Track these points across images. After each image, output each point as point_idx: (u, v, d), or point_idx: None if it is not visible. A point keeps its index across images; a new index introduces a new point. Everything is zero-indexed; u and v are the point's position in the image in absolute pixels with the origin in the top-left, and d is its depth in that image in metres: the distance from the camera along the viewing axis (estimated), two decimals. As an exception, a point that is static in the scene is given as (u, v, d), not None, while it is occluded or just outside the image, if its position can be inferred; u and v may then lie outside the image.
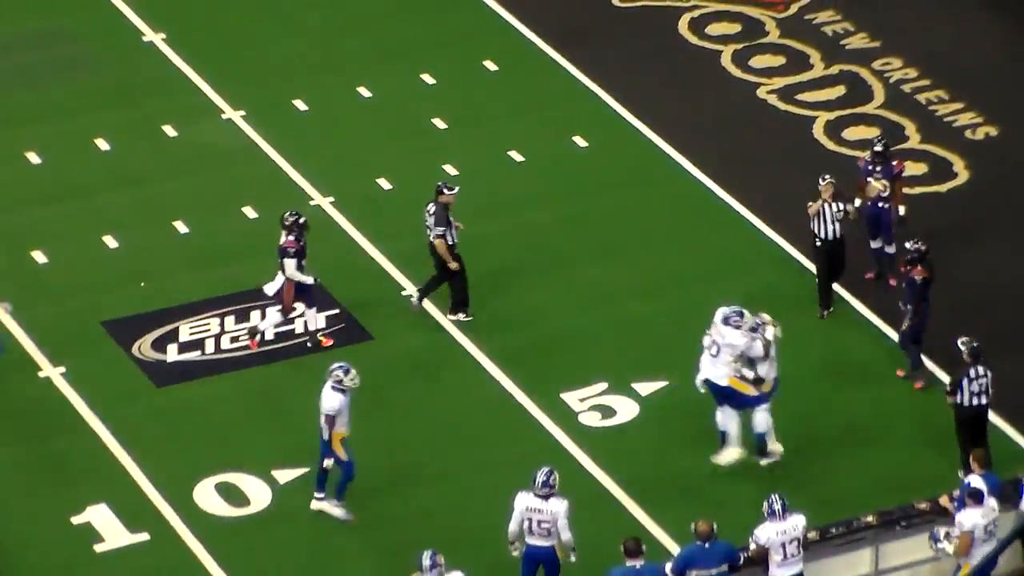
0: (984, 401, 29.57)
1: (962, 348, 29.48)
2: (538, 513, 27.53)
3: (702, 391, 29.97)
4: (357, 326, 32.73)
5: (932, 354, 31.62)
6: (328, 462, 29.15)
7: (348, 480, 29.29)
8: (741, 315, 29.93)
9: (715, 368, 29.92)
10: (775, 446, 30.36)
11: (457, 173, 35.06)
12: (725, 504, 29.46)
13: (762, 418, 30.28)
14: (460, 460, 30.79)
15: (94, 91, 36.95)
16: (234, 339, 32.57)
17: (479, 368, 32.04)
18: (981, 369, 29.41)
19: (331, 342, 32.41)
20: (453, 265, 32.30)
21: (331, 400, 28.92)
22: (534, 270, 33.63)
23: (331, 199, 34.76)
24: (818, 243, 32.66)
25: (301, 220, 31.79)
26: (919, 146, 35.53)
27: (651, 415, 31.25)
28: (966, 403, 29.53)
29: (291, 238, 31.65)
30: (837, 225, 32.46)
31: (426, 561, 26.73)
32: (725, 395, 30.16)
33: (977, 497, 27.39)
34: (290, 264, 31.70)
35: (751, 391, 30.14)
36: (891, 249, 32.93)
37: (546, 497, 27.53)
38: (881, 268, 33.07)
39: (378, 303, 33.14)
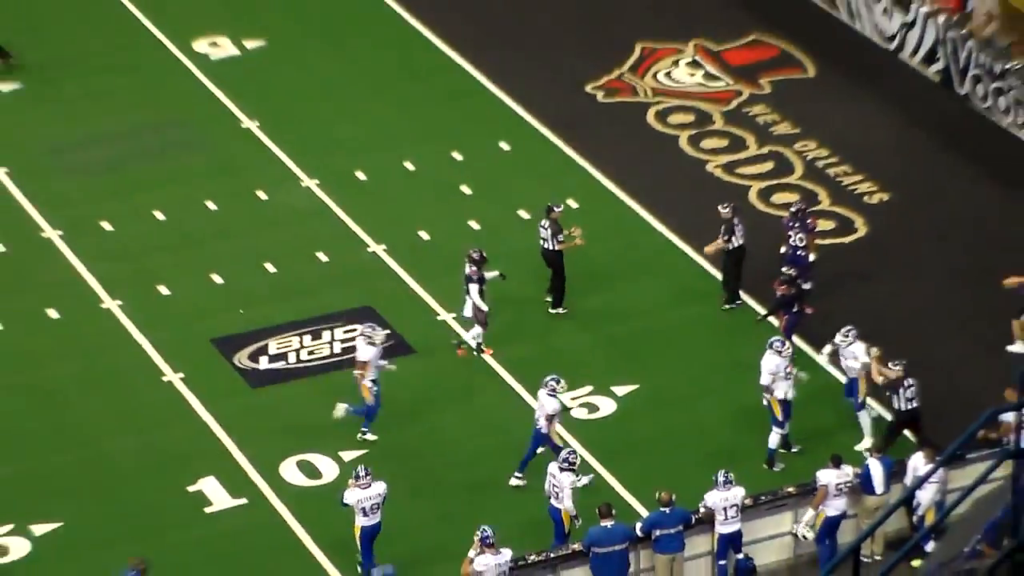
0: (916, 404, 29.54)
1: (896, 367, 29.64)
2: (553, 478, 27.87)
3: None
4: (404, 343, 32.78)
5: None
6: (541, 449, 29.55)
7: None
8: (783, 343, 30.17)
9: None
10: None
11: (479, 228, 35.16)
12: (684, 477, 29.57)
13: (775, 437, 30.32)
14: (490, 441, 31.06)
15: (205, 165, 36.65)
16: (310, 352, 32.49)
17: (495, 375, 32.22)
18: (910, 380, 29.48)
19: (491, 351, 32.49)
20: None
21: (551, 403, 29.25)
22: (538, 301, 33.59)
23: (384, 247, 34.68)
24: (729, 248, 32.92)
25: (483, 255, 31.94)
26: (829, 208, 35.38)
27: (626, 410, 31.36)
28: (903, 408, 29.57)
29: (474, 268, 31.76)
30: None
31: (485, 532, 26.82)
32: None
33: (836, 462, 27.97)
34: (474, 288, 31.82)
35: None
36: (807, 285, 32.71)
37: (562, 470, 27.81)
38: (796, 297, 32.36)
39: (420, 326, 33.16)
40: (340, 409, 30.44)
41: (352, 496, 27.58)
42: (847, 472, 28.13)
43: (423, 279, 34.06)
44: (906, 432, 29.81)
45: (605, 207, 35.61)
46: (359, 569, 28.07)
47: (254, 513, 29.51)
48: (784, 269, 32.13)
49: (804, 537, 28.30)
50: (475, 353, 32.35)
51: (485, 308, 32.02)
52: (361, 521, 27.68)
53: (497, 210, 35.71)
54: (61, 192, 35.97)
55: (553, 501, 27.94)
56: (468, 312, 32.13)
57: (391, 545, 28.17)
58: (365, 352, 30.37)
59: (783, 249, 32.81)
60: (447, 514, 29.08)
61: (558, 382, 29.47)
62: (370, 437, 30.56)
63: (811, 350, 32.04)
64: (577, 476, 27.91)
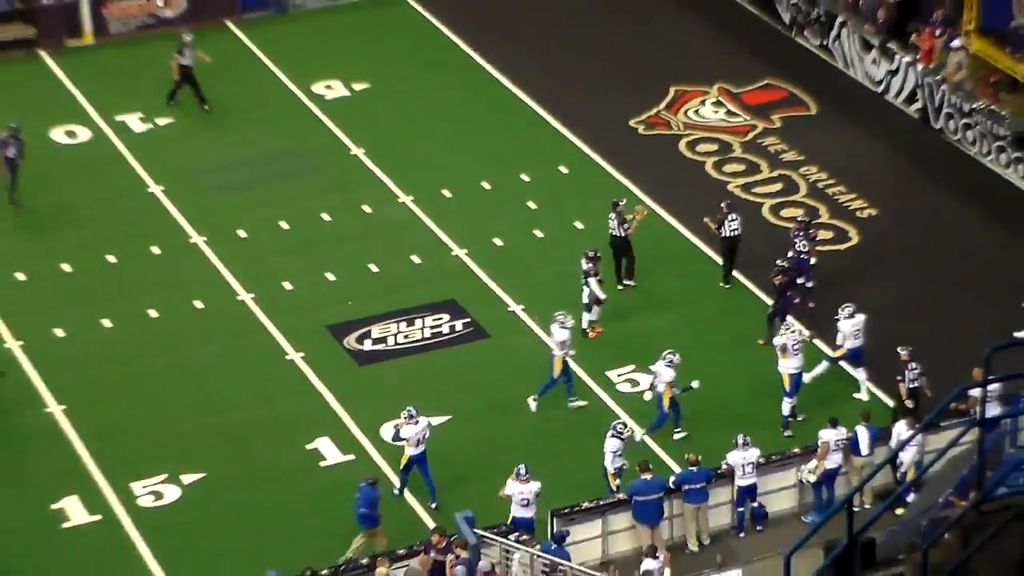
0: (918, 384, 29.41)
1: (903, 352, 29.58)
2: (607, 444, 27.95)
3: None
4: (481, 329, 32.85)
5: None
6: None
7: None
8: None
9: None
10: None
11: (542, 236, 35.22)
12: (711, 440, 29.71)
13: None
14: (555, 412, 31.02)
15: (320, 184, 36.72)
16: (405, 336, 32.49)
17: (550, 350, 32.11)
18: (914, 364, 29.43)
19: (599, 330, 32.53)
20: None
21: (668, 373, 29.42)
22: (578, 282, 33.22)
23: (465, 251, 34.71)
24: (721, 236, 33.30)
25: (597, 254, 32.08)
26: (828, 220, 35.37)
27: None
28: (909, 387, 29.42)
29: (591, 265, 31.83)
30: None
31: (520, 469, 27.05)
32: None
33: (833, 423, 28.13)
34: (593, 281, 31.87)
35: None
36: (809, 284, 32.80)
37: (610, 436, 27.89)
38: (801, 295, 32.69)
39: (494, 316, 33.20)
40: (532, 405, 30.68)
41: (512, 488, 27.31)
42: (842, 432, 28.24)
43: (497, 277, 34.06)
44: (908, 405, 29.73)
45: (647, 221, 35.13)
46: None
47: (359, 467, 29.58)
48: (778, 262, 32.07)
49: (807, 482, 28.36)
50: (583, 333, 32.26)
51: (603, 296, 32.08)
52: (516, 512, 27.32)
53: (557, 221, 35.65)
54: (205, 206, 36.10)
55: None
56: (586, 299, 32.13)
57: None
58: (560, 334, 30.34)
59: (790, 254, 32.72)
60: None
61: (674, 354, 29.59)
62: (580, 403, 30.77)
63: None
64: (623, 441, 27.99)
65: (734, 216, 33.27)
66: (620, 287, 33.49)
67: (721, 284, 33.73)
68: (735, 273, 33.81)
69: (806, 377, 30.52)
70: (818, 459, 28.16)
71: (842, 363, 31.11)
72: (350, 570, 26.20)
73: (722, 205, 33.51)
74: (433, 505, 28.69)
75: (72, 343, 32.33)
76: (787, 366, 29.91)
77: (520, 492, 27.17)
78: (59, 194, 36.32)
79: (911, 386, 29.40)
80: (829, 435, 28.15)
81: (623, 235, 33.26)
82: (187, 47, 38.62)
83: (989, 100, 37.26)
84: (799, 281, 32.57)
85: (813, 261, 33.00)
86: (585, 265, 32.07)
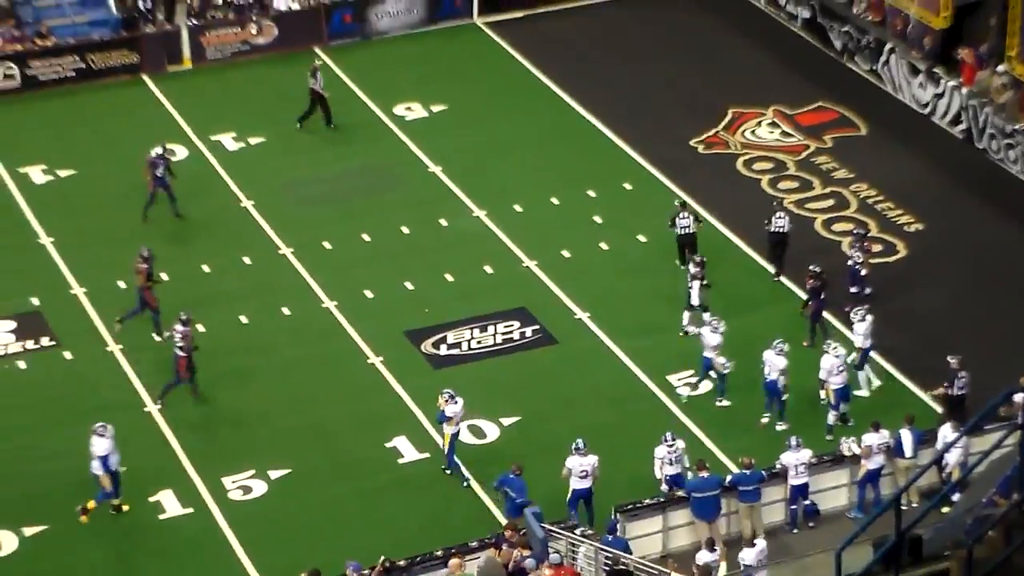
0: (965, 392, 29.12)
1: (952, 361, 29.26)
2: (656, 450, 27.66)
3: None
4: (550, 336, 32.64)
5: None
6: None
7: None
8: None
9: None
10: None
11: (607, 248, 35.01)
12: (761, 443, 29.40)
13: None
14: (612, 414, 30.84)
15: (400, 199, 36.61)
16: (478, 341, 32.38)
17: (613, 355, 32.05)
18: (963, 373, 29.10)
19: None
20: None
21: (780, 361, 29.36)
22: (650, 300, 33.44)
23: (535, 262, 34.54)
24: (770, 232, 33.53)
25: (703, 259, 32.13)
26: (877, 234, 35.05)
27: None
28: (955, 394, 29.14)
29: (698, 270, 31.80)
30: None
31: (579, 443, 27.42)
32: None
33: (877, 427, 27.82)
34: (696, 286, 31.84)
35: None
36: (867, 290, 32.61)
37: (660, 444, 27.74)
38: (857, 300, 32.33)
39: (561, 323, 32.99)
40: (684, 390, 30.67)
41: (571, 463, 27.44)
42: (884, 435, 27.87)
43: (564, 287, 33.87)
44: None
45: (704, 232, 35.04)
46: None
47: (434, 464, 29.47)
48: (811, 267, 31.94)
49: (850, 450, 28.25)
50: (683, 333, 32.15)
51: (699, 301, 31.94)
52: (575, 484, 27.51)
53: (621, 235, 35.45)
54: (293, 219, 36.09)
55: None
56: (695, 300, 32.03)
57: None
58: (712, 338, 30.21)
59: (849, 263, 32.84)
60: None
61: (784, 343, 29.46)
62: (725, 403, 30.68)
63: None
64: (670, 450, 27.69)
65: (781, 215, 33.53)
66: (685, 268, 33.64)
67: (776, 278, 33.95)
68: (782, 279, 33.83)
69: (863, 391, 30.22)
70: (862, 457, 27.87)
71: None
72: (425, 562, 25.99)
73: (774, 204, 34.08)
74: (447, 472, 29.00)
75: (169, 347, 32.26)
76: (832, 382, 29.58)
77: (580, 464, 27.36)
78: (158, 209, 36.34)
79: (958, 393, 29.00)
80: (871, 439, 27.85)
81: (695, 231, 33.60)
82: (318, 71, 38.73)
83: (1029, 120, 36.96)
84: (853, 290, 32.50)
85: (864, 272, 32.72)
86: (692, 269, 32.05)
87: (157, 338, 32.23)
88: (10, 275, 34.31)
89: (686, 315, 32.26)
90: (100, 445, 27.94)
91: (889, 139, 38.75)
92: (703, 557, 25.81)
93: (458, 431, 28.84)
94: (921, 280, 34.06)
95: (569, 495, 27.54)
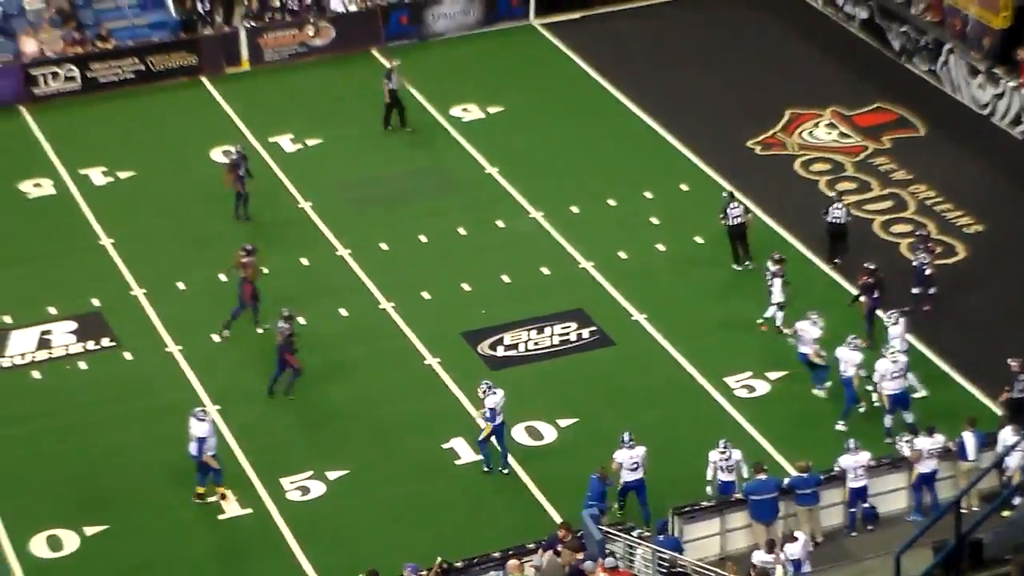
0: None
1: (1013, 363, 29.07)
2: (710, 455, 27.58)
3: None
4: (607, 337, 32.58)
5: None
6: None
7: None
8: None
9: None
10: None
11: (664, 249, 34.94)
12: (818, 445, 29.30)
13: None
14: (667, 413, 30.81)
15: (457, 200, 36.67)
16: (535, 343, 32.32)
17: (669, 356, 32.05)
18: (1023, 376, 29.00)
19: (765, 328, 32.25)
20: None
21: (856, 356, 29.33)
22: (707, 301, 33.44)
23: (592, 263, 34.49)
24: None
25: (783, 257, 32.04)
26: (936, 236, 34.77)
27: (779, 392, 31.00)
28: (1016, 396, 28.95)
29: (779, 266, 31.78)
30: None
31: (625, 436, 27.41)
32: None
33: (930, 432, 27.66)
34: (778, 283, 31.87)
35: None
36: (931, 291, 32.50)
37: (717, 447, 27.52)
38: (920, 300, 32.48)
39: (618, 324, 32.90)
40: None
41: (621, 456, 27.57)
42: (939, 440, 27.66)
43: (621, 288, 33.81)
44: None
45: (761, 234, 35.10)
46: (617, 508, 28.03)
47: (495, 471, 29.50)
48: (865, 264, 31.89)
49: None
50: (776, 331, 32.09)
51: (784, 299, 31.93)
52: (626, 477, 27.64)
53: (678, 236, 35.38)
54: (350, 220, 36.14)
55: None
56: (777, 297, 31.99)
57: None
58: (813, 332, 30.15)
59: (915, 263, 32.86)
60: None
61: (857, 339, 29.61)
62: (822, 393, 30.68)
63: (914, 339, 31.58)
64: (723, 456, 27.61)
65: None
66: (739, 268, 33.90)
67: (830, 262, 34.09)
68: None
69: (920, 391, 30.10)
70: (912, 460, 27.70)
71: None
72: (482, 563, 25.99)
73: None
74: (505, 471, 28.98)
75: (227, 347, 32.45)
76: (885, 387, 29.38)
77: (630, 457, 27.55)
78: (217, 210, 36.51)
79: (1019, 396, 28.78)
80: (924, 443, 27.68)
81: (745, 221, 33.83)
82: (393, 72, 38.79)
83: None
84: (914, 291, 32.48)
85: (929, 272, 32.64)
86: (772, 267, 32.02)
87: (259, 330, 32.63)
88: (71, 276, 34.50)
89: (773, 312, 32.21)
90: (199, 428, 28.24)
91: (948, 140, 38.52)
92: (759, 556, 25.72)
93: (500, 425, 28.87)
94: (981, 282, 33.79)
95: (620, 487, 27.67)
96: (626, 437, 27.70)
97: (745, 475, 27.59)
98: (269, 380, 31.02)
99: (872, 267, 31.83)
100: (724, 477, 27.67)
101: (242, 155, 35.81)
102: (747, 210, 34.28)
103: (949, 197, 36.32)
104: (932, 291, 32.60)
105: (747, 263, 34.08)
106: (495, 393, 28.80)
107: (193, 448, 28.44)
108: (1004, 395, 29.10)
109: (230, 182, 35.69)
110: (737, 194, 35.09)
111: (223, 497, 28.76)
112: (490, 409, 28.82)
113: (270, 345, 31.71)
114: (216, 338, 32.53)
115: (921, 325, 32.11)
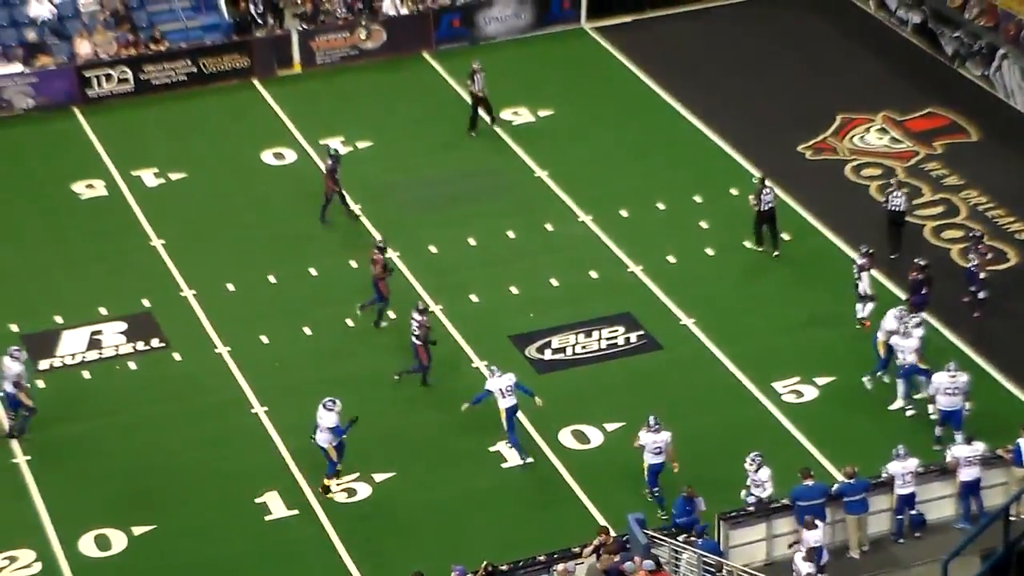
0: None
1: None
2: (751, 468, 27.34)
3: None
4: (655, 341, 32.47)
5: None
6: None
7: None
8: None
9: None
10: None
11: (713, 253, 34.80)
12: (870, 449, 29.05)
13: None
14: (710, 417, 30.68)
15: (506, 203, 36.58)
16: (583, 347, 32.22)
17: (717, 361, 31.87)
18: None
19: (868, 324, 31.92)
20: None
21: (938, 379, 28.95)
22: (755, 306, 33.30)
23: (640, 267, 34.36)
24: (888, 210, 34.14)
25: (871, 251, 32.01)
26: (988, 242, 34.47)
27: (827, 398, 30.79)
28: None
29: (866, 260, 31.84)
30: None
31: (651, 420, 27.76)
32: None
33: (968, 440, 27.48)
34: (866, 277, 31.86)
35: None
36: (982, 295, 32.36)
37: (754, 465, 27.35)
38: (972, 304, 32.34)
39: (667, 328, 32.79)
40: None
41: (645, 438, 27.87)
42: (977, 448, 27.36)
43: (669, 293, 33.69)
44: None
45: (813, 241, 35.07)
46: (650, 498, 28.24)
47: (538, 469, 29.38)
48: (915, 260, 32.14)
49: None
50: (860, 325, 32.14)
51: (871, 292, 31.94)
52: (650, 460, 27.89)
53: (727, 240, 35.25)
54: (399, 222, 36.09)
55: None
56: (866, 290, 32.02)
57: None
58: (892, 323, 30.09)
59: (968, 265, 32.81)
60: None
61: (908, 315, 29.81)
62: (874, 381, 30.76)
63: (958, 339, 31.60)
64: (756, 466, 27.32)
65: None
66: (760, 250, 34.41)
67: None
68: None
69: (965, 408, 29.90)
70: (950, 468, 27.48)
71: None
72: (528, 567, 25.89)
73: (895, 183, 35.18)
74: (528, 460, 29.27)
75: (275, 348, 32.48)
76: (940, 402, 29.12)
77: (653, 441, 27.86)
78: (267, 211, 36.58)
79: None
80: (961, 451, 27.38)
81: (768, 208, 34.15)
82: (477, 74, 38.87)
83: None
84: (968, 294, 32.46)
85: (983, 275, 32.47)
86: (860, 260, 32.03)
87: (382, 325, 32.90)
88: (122, 277, 34.59)
89: (859, 307, 32.23)
90: (328, 418, 28.41)
91: (1001, 146, 38.25)
92: (803, 568, 25.54)
93: (513, 407, 29.00)
94: (1031, 288, 33.64)
95: (646, 471, 28.00)
96: (651, 421, 27.88)
97: (770, 490, 27.27)
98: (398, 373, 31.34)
99: (923, 263, 31.89)
100: (757, 492, 27.31)
101: (335, 157, 35.71)
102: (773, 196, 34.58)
103: (1001, 203, 36.09)
104: (982, 295, 32.38)
105: (775, 253, 34.22)
106: (499, 376, 29.04)
107: (321, 439, 28.60)
108: None
109: (330, 186, 35.63)
110: (768, 181, 34.95)
111: (325, 490, 28.88)
112: (485, 391, 29.15)
113: (317, 345, 31.67)
114: (265, 339, 32.56)
115: (973, 330, 31.91)
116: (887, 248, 33.94)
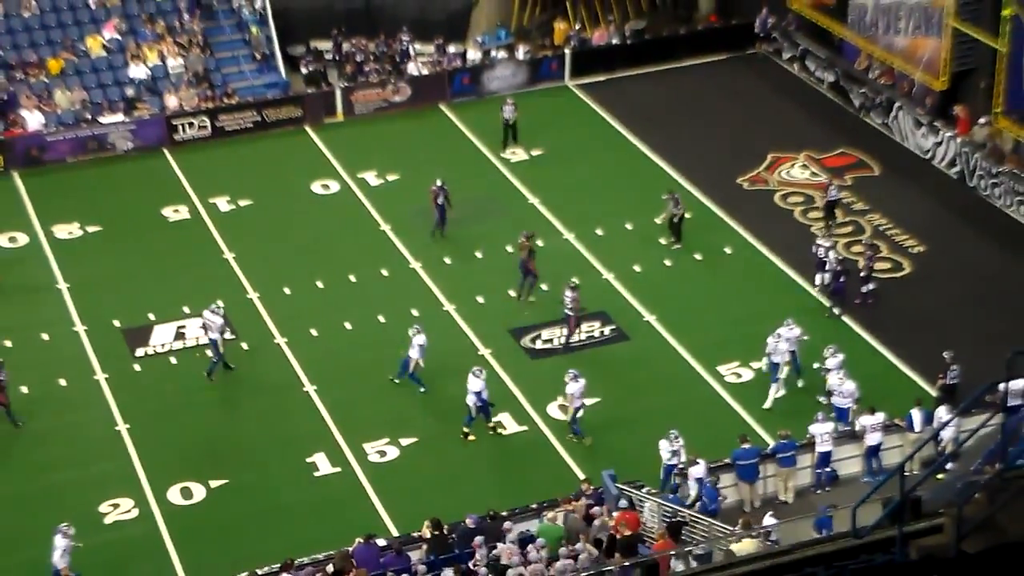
0: (956, 382, 28.48)
1: (946, 355, 28.60)
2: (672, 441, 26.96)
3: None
4: (623, 333, 32.31)
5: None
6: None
7: None
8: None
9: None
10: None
11: (670, 264, 34.61)
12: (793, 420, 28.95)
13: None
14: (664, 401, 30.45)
15: (506, 224, 35.89)
16: (567, 338, 32.14)
17: (674, 350, 31.69)
18: (955, 366, 28.42)
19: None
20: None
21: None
22: (702, 305, 33.09)
23: (612, 275, 34.26)
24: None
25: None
26: (887, 255, 34.28)
27: (761, 378, 30.57)
28: (948, 383, 28.55)
29: (831, 243, 32.01)
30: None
31: (570, 372, 27.95)
32: None
33: (871, 410, 27.30)
34: (832, 255, 32.10)
35: None
36: (869, 287, 32.34)
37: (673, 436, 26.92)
38: (863, 296, 32.03)
39: (633, 323, 32.69)
40: None
41: (571, 388, 28.05)
42: (879, 417, 27.28)
43: (635, 295, 33.52)
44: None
45: (749, 254, 35.04)
46: None
47: (530, 436, 29.29)
48: (837, 258, 32.41)
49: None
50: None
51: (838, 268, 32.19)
52: (576, 403, 27.97)
53: (682, 254, 35.11)
54: (420, 240, 36.00)
55: None
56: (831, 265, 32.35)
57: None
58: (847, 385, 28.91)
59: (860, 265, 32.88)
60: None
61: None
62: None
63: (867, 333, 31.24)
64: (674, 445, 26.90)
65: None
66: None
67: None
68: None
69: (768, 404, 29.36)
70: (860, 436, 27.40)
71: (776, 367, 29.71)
72: (523, 512, 25.81)
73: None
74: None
75: (322, 339, 32.43)
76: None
77: (579, 388, 28.05)
78: (315, 230, 36.57)
79: (951, 382, 28.46)
80: (866, 420, 27.32)
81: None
82: (507, 106, 39.35)
83: (1012, 165, 36.27)
84: (863, 290, 32.39)
85: (866, 275, 32.57)
86: (826, 243, 32.62)
87: (523, 298, 32.95)
88: (201, 282, 34.49)
89: (819, 276, 32.58)
90: (474, 383, 28.41)
91: (898, 178, 38.16)
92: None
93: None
94: (922, 292, 33.50)
95: (571, 416, 28.37)
96: (572, 373, 28.09)
97: (683, 458, 26.61)
98: (562, 340, 31.33)
99: (842, 257, 32.29)
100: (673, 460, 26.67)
101: (442, 187, 35.50)
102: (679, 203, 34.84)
103: (898, 224, 36.01)
104: (868, 287, 32.37)
105: (677, 245, 34.63)
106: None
107: (472, 399, 28.55)
108: (940, 381, 28.81)
109: (434, 208, 35.45)
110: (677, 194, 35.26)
111: (465, 435, 28.86)
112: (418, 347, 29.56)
113: (353, 339, 31.61)
114: (314, 332, 32.51)
115: (875, 324, 31.80)
116: (809, 298, 33.30)
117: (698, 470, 25.88)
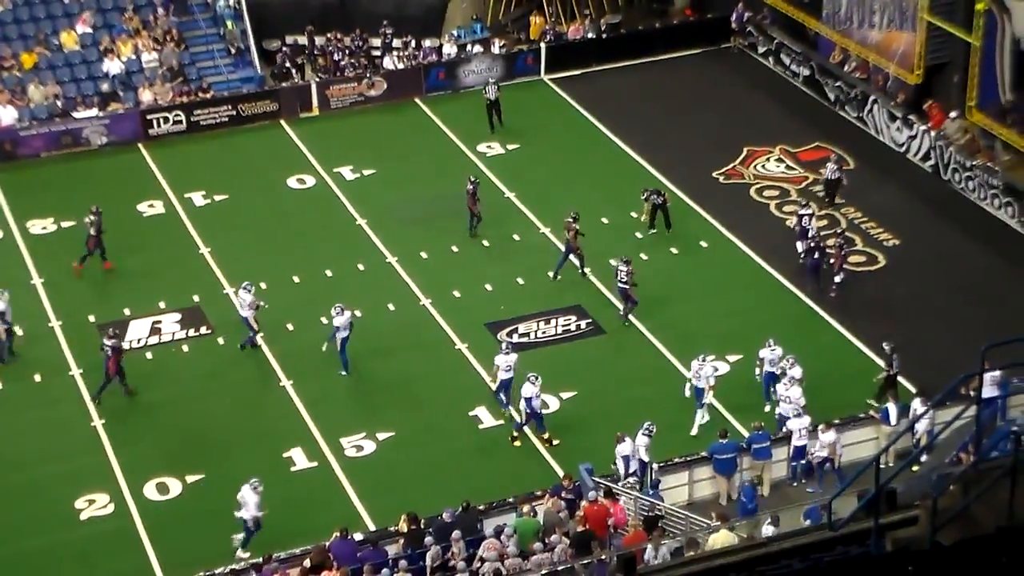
0: (897, 370, 28.44)
1: (886, 346, 28.57)
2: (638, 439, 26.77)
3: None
4: (599, 327, 32.33)
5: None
6: None
7: None
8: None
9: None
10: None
11: (647, 259, 34.62)
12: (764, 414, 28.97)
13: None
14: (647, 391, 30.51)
15: (483, 219, 36.18)
16: (543, 332, 31.93)
17: (650, 344, 31.71)
18: (896, 356, 28.41)
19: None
20: None
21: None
22: (677, 300, 33.17)
23: (588, 269, 34.08)
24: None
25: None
26: (862, 248, 34.37)
27: (735, 372, 30.63)
28: (892, 372, 28.41)
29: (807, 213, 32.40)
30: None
31: (503, 345, 28.45)
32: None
33: (799, 415, 27.34)
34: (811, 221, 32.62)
35: None
36: (838, 278, 32.15)
37: (641, 434, 26.64)
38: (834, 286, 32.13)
39: (608, 317, 32.62)
40: None
41: (499, 360, 28.51)
42: (805, 421, 27.12)
43: (611, 289, 33.31)
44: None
45: (723, 247, 35.07)
46: None
47: (508, 430, 29.21)
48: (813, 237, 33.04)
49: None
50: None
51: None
52: (502, 376, 28.33)
53: (657, 248, 35.10)
54: (396, 234, 35.93)
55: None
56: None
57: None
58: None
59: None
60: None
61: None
62: None
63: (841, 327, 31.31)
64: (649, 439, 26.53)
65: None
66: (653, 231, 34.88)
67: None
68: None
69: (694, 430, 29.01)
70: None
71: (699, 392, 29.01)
72: (499, 506, 25.80)
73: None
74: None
75: (298, 334, 32.33)
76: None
77: (505, 361, 28.65)
78: (291, 225, 36.45)
79: (893, 371, 28.44)
80: (793, 424, 27.22)
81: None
82: (490, 86, 39.54)
83: (984, 158, 36.40)
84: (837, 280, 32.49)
85: (837, 266, 32.69)
86: (805, 212, 33.33)
87: (553, 277, 33.46)
88: (176, 277, 34.40)
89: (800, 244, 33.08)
90: (527, 389, 28.14)
91: (873, 172, 38.22)
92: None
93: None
94: (897, 283, 33.55)
95: (496, 386, 28.78)
96: (503, 346, 28.78)
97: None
98: (622, 313, 31.69)
99: (819, 236, 32.76)
100: (640, 457, 26.31)
101: (476, 184, 35.44)
102: (659, 192, 35.13)
103: (873, 217, 36.04)
104: (838, 278, 32.49)
105: (652, 230, 35.01)
106: (343, 315, 29.44)
107: (522, 405, 28.37)
108: (883, 373, 28.75)
109: (471, 205, 35.35)
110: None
111: (512, 441, 28.65)
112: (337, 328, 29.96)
113: (328, 332, 31.55)
114: (290, 326, 32.40)
115: (847, 313, 31.84)
116: (782, 290, 33.30)
117: (624, 447, 25.86)
